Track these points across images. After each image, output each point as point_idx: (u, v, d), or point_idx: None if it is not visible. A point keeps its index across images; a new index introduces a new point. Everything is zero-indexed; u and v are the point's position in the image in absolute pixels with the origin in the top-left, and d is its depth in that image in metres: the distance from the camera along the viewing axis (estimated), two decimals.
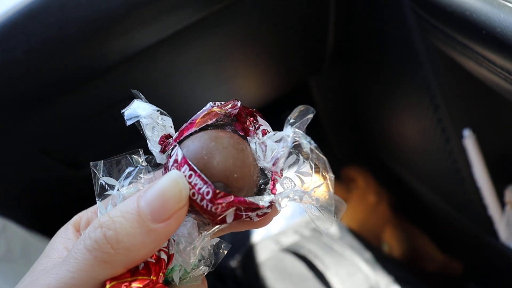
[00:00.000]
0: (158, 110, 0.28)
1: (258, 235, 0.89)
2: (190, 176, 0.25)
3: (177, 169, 0.25)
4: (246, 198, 0.25)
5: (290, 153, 0.28)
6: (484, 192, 0.66)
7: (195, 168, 0.25)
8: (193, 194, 0.25)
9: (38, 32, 0.52)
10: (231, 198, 0.25)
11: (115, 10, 0.55)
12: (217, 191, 0.25)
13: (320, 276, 0.71)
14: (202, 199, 0.25)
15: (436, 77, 0.62)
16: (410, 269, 0.85)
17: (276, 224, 0.91)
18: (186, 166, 0.25)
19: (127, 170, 0.28)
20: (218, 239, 0.30)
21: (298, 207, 0.94)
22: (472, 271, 0.90)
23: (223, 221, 0.26)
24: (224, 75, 0.74)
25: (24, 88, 0.54)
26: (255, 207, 0.26)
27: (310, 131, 1.10)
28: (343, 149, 1.04)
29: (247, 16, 0.66)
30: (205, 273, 0.29)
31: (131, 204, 0.23)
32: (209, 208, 0.25)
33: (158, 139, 0.28)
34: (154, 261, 0.25)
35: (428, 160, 0.75)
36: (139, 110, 0.28)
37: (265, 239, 0.83)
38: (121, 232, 0.22)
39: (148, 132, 0.28)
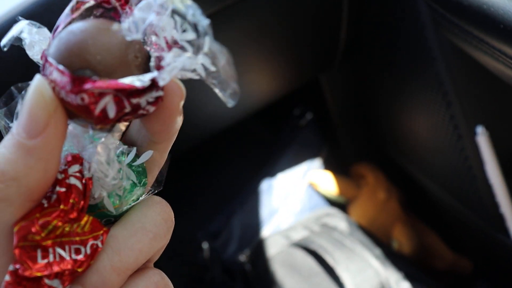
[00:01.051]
0: (30, 24, 0.24)
1: (267, 230, 0.89)
2: (51, 72, 0.20)
3: (42, 73, 0.21)
4: (117, 80, 0.20)
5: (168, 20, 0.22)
6: (496, 190, 0.66)
7: (51, 61, 0.21)
8: (58, 93, 0.20)
9: (54, 24, 0.53)
10: (95, 82, 0.20)
11: None
12: (75, 76, 0.20)
13: (330, 271, 0.71)
14: (66, 93, 0.20)
15: (450, 73, 0.62)
16: (419, 266, 0.85)
17: (285, 220, 0.91)
18: (46, 63, 0.21)
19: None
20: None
21: (307, 203, 0.94)
22: (482, 270, 0.90)
23: (106, 117, 0.21)
24: (236, 70, 0.74)
25: None
26: (132, 90, 0.20)
27: (320, 127, 1.09)
28: (353, 146, 1.04)
29: (260, 11, 0.67)
30: (148, 193, 0.25)
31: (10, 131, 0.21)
32: (76, 102, 0.20)
33: (40, 55, 0.24)
34: (64, 189, 0.21)
35: (439, 157, 0.75)
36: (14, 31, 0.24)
37: (274, 234, 0.83)
38: (1, 161, 0.20)
39: (29, 52, 0.24)
